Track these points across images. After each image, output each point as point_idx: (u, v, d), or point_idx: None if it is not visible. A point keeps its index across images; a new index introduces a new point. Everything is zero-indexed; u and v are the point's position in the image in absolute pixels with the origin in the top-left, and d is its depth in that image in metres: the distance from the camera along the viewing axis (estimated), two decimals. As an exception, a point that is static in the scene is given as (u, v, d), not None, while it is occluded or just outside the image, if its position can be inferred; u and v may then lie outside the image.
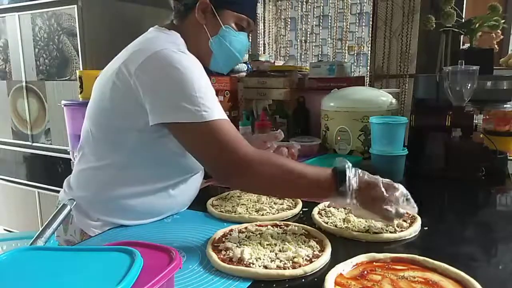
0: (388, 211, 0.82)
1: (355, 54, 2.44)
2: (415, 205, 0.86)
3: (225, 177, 0.88)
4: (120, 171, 0.97)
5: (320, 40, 2.64)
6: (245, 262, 0.73)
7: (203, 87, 0.87)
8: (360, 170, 0.85)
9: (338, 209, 1.01)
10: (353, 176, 0.83)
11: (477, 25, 1.52)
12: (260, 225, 0.91)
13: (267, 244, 0.80)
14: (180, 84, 0.85)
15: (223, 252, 0.77)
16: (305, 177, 0.85)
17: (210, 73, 2.08)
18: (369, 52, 2.02)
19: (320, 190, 0.85)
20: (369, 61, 2.04)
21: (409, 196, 0.86)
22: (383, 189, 0.83)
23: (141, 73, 0.87)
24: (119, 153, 0.96)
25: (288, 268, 0.71)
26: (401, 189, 0.85)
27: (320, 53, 2.67)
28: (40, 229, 0.70)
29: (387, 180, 0.86)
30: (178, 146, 0.93)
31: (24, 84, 2.52)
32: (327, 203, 1.05)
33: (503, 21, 1.54)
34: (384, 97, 1.43)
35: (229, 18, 1.02)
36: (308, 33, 2.52)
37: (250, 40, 1.12)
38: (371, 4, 2.01)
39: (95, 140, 0.99)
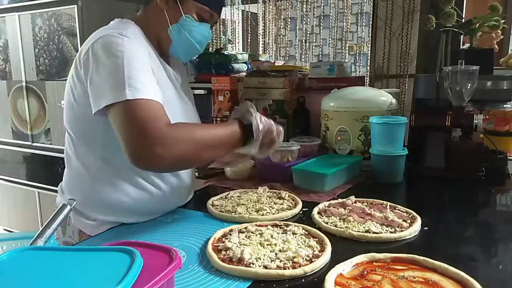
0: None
1: (355, 54, 2.44)
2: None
3: (137, 157, 0.82)
4: (102, 169, 0.98)
5: (320, 40, 2.64)
6: (245, 262, 0.73)
7: (135, 67, 0.86)
8: (259, 116, 1.00)
9: (338, 208, 1.01)
10: (257, 125, 0.97)
11: (477, 25, 1.52)
12: (260, 225, 0.91)
13: (267, 244, 0.80)
14: (111, 68, 0.85)
15: (223, 252, 0.77)
16: (218, 139, 0.92)
17: (210, 72, 2.08)
18: (369, 52, 2.02)
19: (231, 146, 0.96)
20: (369, 61, 2.04)
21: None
22: (275, 135, 1.03)
23: (84, 62, 0.90)
24: (96, 149, 0.97)
25: (288, 268, 0.71)
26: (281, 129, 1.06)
27: (320, 53, 2.67)
28: (40, 229, 0.70)
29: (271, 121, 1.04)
30: None
31: (24, 84, 2.52)
32: (327, 203, 1.05)
33: (503, 21, 1.54)
34: (384, 97, 1.43)
35: (191, 8, 1.01)
36: (308, 33, 2.52)
37: (212, 32, 1.11)
38: (371, 4, 2.01)
39: (73, 141, 1.01)
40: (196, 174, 1.27)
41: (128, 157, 0.82)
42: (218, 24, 2.60)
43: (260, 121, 0.98)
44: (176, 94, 1.07)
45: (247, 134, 0.96)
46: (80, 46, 2.13)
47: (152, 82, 0.89)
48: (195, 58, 2.14)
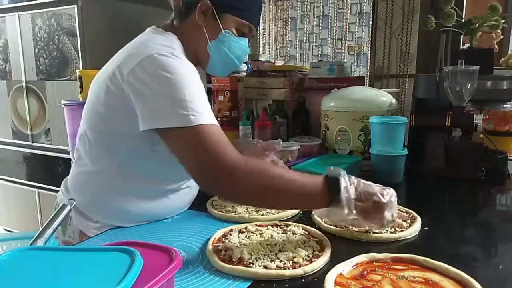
0: (387, 219, 0.81)
1: (355, 54, 2.44)
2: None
3: (209, 183, 0.82)
4: (115, 176, 0.96)
5: (320, 40, 2.64)
6: (245, 262, 0.73)
7: (194, 92, 0.84)
8: (353, 177, 0.82)
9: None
10: (348, 184, 0.79)
11: (477, 25, 1.52)
12: (260, 225, 0.91)
13: (267, 244, 0.80)
14: (169, 89, 0.82)
15: (223, 252, 0.77)
16: (294, 185, 0.80)
17: (208, 74, 2.08)
18: (369, 52, 2.02)
19: (312, 200, 0.81)
20: (369, 61, 2.04)
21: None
22: (380, 197, 0.81)
23: (133, 78, 0.85)
24: (115, 158, 0.94)
25: (288, 268, 0.71)
26: (394, 193, 0.84)
27: (320, 53, 2.67)
28: (40, 229, 0.70)
29: (377, 184, 0.84)
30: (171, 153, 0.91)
31: (24, 84, 2.52)
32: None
33: (503, 21, 1.54)
34: (384, 97, 1.43)
35: (230, 23, 0.99)
36: (308, 33, 2.53)
37: (250, 46, 1.09)
38: (371, 4, 2.01)
39: (90, 144, 0.98)
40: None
41: (199, 182, 0.84)
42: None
43: (350, 182, 0.80)
44: None
45: (333, 190, 0.79)
46: (80, 46, 2.13)
47: (208, 105, 0.87)
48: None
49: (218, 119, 1.76)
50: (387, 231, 0.87)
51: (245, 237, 0.84)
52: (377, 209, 0.81)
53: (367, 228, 0.87)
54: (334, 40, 2.43)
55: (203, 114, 0.82)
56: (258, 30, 2.67)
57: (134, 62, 0.86)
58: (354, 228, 0.88)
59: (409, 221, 0.92)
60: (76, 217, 1.00)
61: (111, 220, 0.97)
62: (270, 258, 0.75)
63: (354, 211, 0.79)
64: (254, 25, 1.03)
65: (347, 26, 2.37)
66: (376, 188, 0.83)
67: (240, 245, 0.80)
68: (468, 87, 1.29)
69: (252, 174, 0.79)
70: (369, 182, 0.84)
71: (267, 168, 0.82)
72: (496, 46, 1.64)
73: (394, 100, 1.44)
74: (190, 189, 1.06)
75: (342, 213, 0.79)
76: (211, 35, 0.99)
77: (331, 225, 0.90)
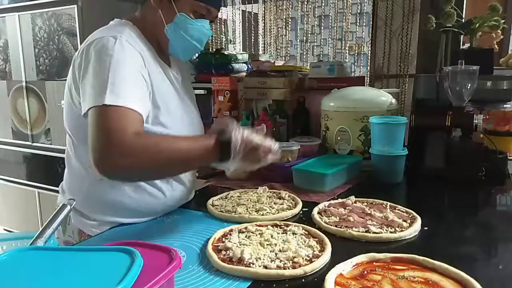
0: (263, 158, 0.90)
1: (355, 54, 2.44)
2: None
3: (99, 162, 0.80)
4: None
5: (321, 40, 2.64)
6: (245, 262, 0.73)
7: (120, 74, 0.85)
8: (240, 131, 0.88)
9: (338, 208, 1.01)
10: (236, 142, 0.86)
11: (477, 25, 1.52)
12: (260, 225, 0.91)
13: (267, 244, 0.80)
14: (98, 72, 0.85)
15: (223, 252, 0.77)
16: (182, 148, 0.85)
17: (210, 72, 2.08)
18: (369, 52, 2.02)
19: (200, 160, 0.88)
20: (369, 61, 2.04)
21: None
22: (261, 152, 0.90)
23: (78, 64, 0.90)
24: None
25: (288, 268, 0.71)
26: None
27: (320, 53, 2.67)
28: (40, 229, 0.70)
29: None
30: None
31: (24, 84, 2.52)
32: (327, 203, 1.05)
33: (503, 21, 1.54)
34: (384, 97, 1.43)
35: (185, 6, 0.99)
36: (308, 33, 2.52)
37: (212, 28, 1.09)
38: (371, 4, 2.01)
39: (74, 143, 1.00)
40: (197, 174, 1.27)
41: (93, 164, 0.81)
42: (218, 24, 2.60)
43: (240, 137, 0.87)
44: (176, 96, 1.06)
45: (224, 151, 0.86)
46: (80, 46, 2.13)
47: (136, 90, 0.87)
48: (195, 58, 2.14)
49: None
50: (387, 231, 0.87)
51: (245, 237, 0.84)
52: (254, 161, 0.91)
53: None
54: (334, 40, 2.42)
55: (120, 96, 0.83)
56: (258, 30, 2.67)
57: (80, 49, 0.92)
58: (353, 228, 0.88)
59: (409, 221, 0.92)
60: (74, 216, 1.00)
61: (107, 215, 0.98)
62: (270, 258, 0.75)
63: (238, 158, 0.87)
64: (212, 6, 1.03)
65: (347, 26, 2.36)
66: (257, 143, 0.90)
67: (240, 245, 0.80)
68: (468, 87, 1.29)
69: (140, 152, 0.80)
70: (255, 135, 0.91)
71: (158, 142, 0.84)
72: (496, 46, 1.63)
73: (394, 100, 1.44)
74: (180, 182, 1.06)
75: (228, 166, 0.88)
76: (167, 18, 1.00)
77: (331, 225, 0.91)
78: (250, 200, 1.09)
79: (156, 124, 0.96)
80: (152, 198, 1.00)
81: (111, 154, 0.79)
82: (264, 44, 2.65)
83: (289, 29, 2.59)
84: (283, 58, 2.59)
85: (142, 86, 0.90)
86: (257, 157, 0.91)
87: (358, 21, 2.39)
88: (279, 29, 2.58)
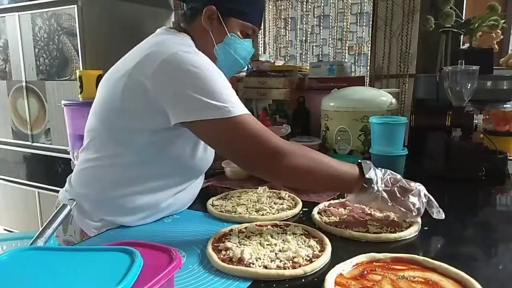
0: (412, 202, 0.88)
1: (355, 54, 2.44)
2: (439, 209, 0.91)
3: (259, 167, 0.88)
4: (125, 171, 0.97)
5: (320, 40, 2.64)
6: (245, 262, 0.73)
7: (223, 84, 0.89)
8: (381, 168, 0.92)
9: (338, 208, 1.01)
10: (377, 170, 0.90)
11: (476, 25, 1.52)
12: (260, 225, 0.91)
13: (267, 244, 0.80)
14: (201, 83, 0.85)
15: (223, 252, 0.77)
16: (333, 167, 0.88)
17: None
18: (369, 52, 2.02)
19: (346, 181, 0.89)
20: (369, 61, 2.04)
21: (431, 198, 0.92)
22: (406, 183, 0.90)
23: (159, 75, 0.87)
24: (126, 152, 0.95)
25: (288, 268, 0.71)
26: (421, 185, 0.93)
27: (320, 53, 2.67)
28: (40, 229, 0.70)
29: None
30: (185, 148, 0.96)
31: (24, 84, 2.52)
32: (327, 202, 1.05)
33: (502, 21, 1.54)
34: (384, 97, 1.43)
35: (234, 26, 1.03)
36: (308, 33, 2.52)
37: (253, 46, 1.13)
38: (371, 4, 2.01)
39: (101, 139, 0.98)
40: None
41: (248, 167, 0.91)
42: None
43: (379, 175, 0.90)
44: None
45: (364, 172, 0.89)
46: (80, 46, 2.13)
47: (237, 96, 0.91)
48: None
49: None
50: (387, 231, 0.87)
51: (245, 237, 0.84)
52: (403, 192, 0.89)
53: (393, 216, 0.93)
54: (334, 40, 2.42)
55: (237, 105, 0.87)
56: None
57: (158, 60, 0.88)
58: (353, 228, 0.88)
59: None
60: (77, 216, 1.00)
61: (116, 216, 0.97)
62: (270, 258, 0.75)
63: (381, 189, 0.88)
64: (257, 27, 1.07)
65: (347, 26, 2.36)
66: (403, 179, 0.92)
67: (240, 245, 0.80)
68: (468, 87, 1.29)
69: (297, 156, 0.85)
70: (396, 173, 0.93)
71: (309, 151, 0.89)
72: (496, 46, 1.64)
73: (394, 100, 1.44)
74: (194, 185, 1.08)
75: (372, 192, 0.87)
76: (217, 38, 1.02)
77: (331, 225, 0.91)
78: (250, 200, 1.09)
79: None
80: (165, 201, 1.00)
81: (270, 158, 0.85)
82: (264, 44, 2.65)
83: (289, 29, 2.59)
84: (283, 58, 2.59)
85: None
86: (405, 186, 0.90)
87: (358, 21, 2.39)
88: (279, 29, 2.58)
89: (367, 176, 0.87)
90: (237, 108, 0.86)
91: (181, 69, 0.86)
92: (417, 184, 0.92)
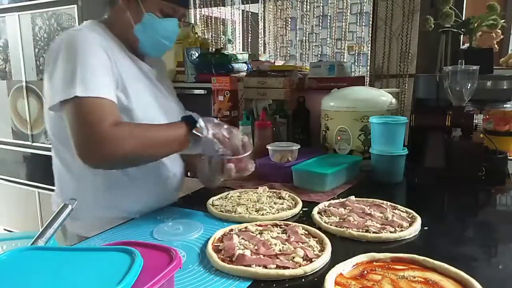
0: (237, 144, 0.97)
1: (355, 54, 2.44)
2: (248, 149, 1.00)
3: (84, 153, 0.85)
4: (78, 171, 1.00)
5: (320, 40, 2.64)
6: (245, 262, 0.73)
7: (88, 64, 0.88)
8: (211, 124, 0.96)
9: (338, 208, 1.01)
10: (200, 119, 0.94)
11: (475, 24, 1.52)
12: (260, 225, 0.91)
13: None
14: (66, 64, 0.87)
15: (223, 252, 0.77)
16: (161, 136, 0.92)
17: (210, 72, 2.08)
18: (369, 52, 2.02)
19: (178, 141, 0.93)
20: (369, 61, 2.04)
21: (246, 139, 1.00)
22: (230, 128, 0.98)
23: (46, 59, 0.93)
24: (69, 152, 0.96)
25: (288, 268, 0.71)
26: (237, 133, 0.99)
27: (320, 53, 2.67)
28: (41, 229, 0.70)
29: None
30: None
31: (24, 84, 2.52)
32: (327, 202, 1.05)
33: (502, 20, 1.54)
34: (384, 97, 1.43)
35: (152, 5, 1.02)
36: (308, 33, 2.52)
37: (180, 26, 1.13)
38: (371, 4, 2.01)
39: (54, 146, 1.03)
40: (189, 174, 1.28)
41: (77, 156, 0.86)
42: (218, 24, 2.60)
43: (207, 127, 0.95)
44: (151, 86, 1.09)
45: (193, 134, 0.94)
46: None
47: (105, 78, 0.91)
48: (195, 58, 2.14)
49: (218, 119, 1.76)
50: (387, 231, 0.87)
51: (245, 236, 0.84)
52: (229, 133, 0.97)
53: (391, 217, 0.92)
54: (334, 40, 2.42)
55: (91, 87, 0.86)
56: (258, 30, 2.67)
57: (50, 47, 0.94)
58: (353, 228, 0.88)
59: (409, 220, 0.92)
60: (71, 224, 1.01)
61: (105, 212, 1.00)
62: (270, 257, 0.75)
63: (211, 134, 0.94)
64: (178, 5, 1.07)
65: (347, 26, 2.36)
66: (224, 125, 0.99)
67: (240, 245, 0.80)
68: (468, 87, 1.29)
69: (121, 140, 0.85)
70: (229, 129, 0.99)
71: (134, 130, 0.90)
72: (496, 45, 1.64)
73: (394, 100, 1.44)
74: (174, 175, 1.11)
75: (205, 138, 0.93)
76: (135, 18, 1.03)
77: (331, 225, 0.91)
78: (250, 200, 1.09)
79: (125, 109, 0.99)
80: (144, 192, 1.05)
81: (92, 146, 0.84)
82: (264, 44, 2.65)
83: (289, 29, 2.59)
84: (283, 58, 2.59)
85: (110, 73, 0.93)
86: (233, 146, 0.97)
87: (358, 21, 2.39)
88: (279, 29, 2.58)
89: (196, 126, 0.92)
90: (87, 90, 0.85)
91: (58, 50, 0.90)
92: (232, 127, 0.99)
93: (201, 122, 0.93)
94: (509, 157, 1.36)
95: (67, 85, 0.85)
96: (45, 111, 1.00)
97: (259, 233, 0.86)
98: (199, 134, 0.93)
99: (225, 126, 0.99)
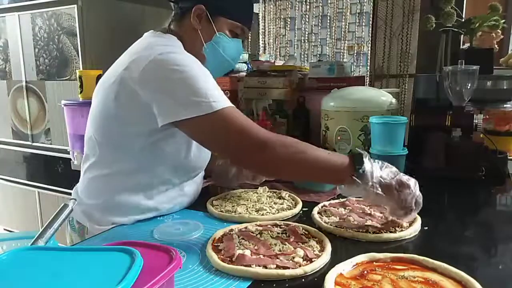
0: (408, 200, 0.85)
1: (355, 54, 2.44)
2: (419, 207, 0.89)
3: (246, 159, 0.89)
4: (129, 176, 0.98)
5: (320, 40, 2.64)
6: (245, 262, 0.73)
7: (206, 80, 0.89)
8: (377, 160, 0.88)
9: (338, 208, 1.01)
10: (372, 161, 0.86)
11: (477, 24, 1.52)
12: (260, 225, 0.91)
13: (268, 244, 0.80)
14: (184, 82, 0.86)
15: (223, 252, 0.77)
16: (319, 157, 0.87)
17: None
18: (369, 52, 2.02)
19: (335, 172, 0.87)
20: (369, 61, 2.04)
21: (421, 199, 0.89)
22: (403, 177, 0.87)
23: (145, 78, 0.89)
24: (127, 158, 0.97)
25: (288, 268, 0.71)
26: (416, 181, 0.89)
27: (320, 53, 2.67)
28: (41, 229, 0.70)
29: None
30: (180, 146, 0.97)
31: (24, 84, 2.52)
32: (327, 202, 1.05)
33: (503, 20, 1.54)
34: (384, 97, 1.43)
35: (223, 25, 1.03)
36: (308, 33, 2.53)
37: (244, 46, 1.13)
38: (371, 4, 2.01)
39: (100, 147, 0.99)
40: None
41: (236, 160, 0.94)
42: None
43: (375, 168, 0.86)
44: None
45: (357, 163, 0.85)
46: (80, 46, 2.13)
47: (221, 90, 0.92)
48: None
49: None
50: (387, 231, 0.87)
51: (245, 236, 0.84)
52: (401, 187, 0.85)
53: (387, 215, 0.90)
54: (334, 40, 2.42)
55: (221, 99, 0.87)
56: (259, 30, 2.67)
57: (143, 63, 0.89)
58: (353, 228, 0.88)
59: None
60: (90, 225, 1.01)
61: (126, 217, 0.98)
62: (270, 257, 0.75)
63: (378, 186, 0.84)
64: (246, 26, 1.07)
65: (347, 26, 2.36)
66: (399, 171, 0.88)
67: (240, 245, 0.80)
68: (468, 87, 1.29)
69: (282, 147, 0.86)
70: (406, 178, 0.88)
71: (295, 142, 0.87)
72: (496, 46, 1.64)
73: (394, 100, 1.44)
74: (196, 181, 1.11)
75: (366, 186, 0.83)
76: (206, 37, 1.03)
77: (331, 225, 0.91)
78: (250, 200, 1.09)
79: None
80: (171, 199, 1.03)
81: (256, 150, 0.85)
82: (264, 44, 2.65)
83: (289, 29, 2.59)
84: (283, 58, 2.59)
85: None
86: (405, 183, 0.86)
87: (358, 21, 2.39)
88: (279, 29, 2.58)
89: (359, 168, 0.84)
90: (221, 102, 0.86)
91: (165, 71, 0.88)
92: (412, 179, 0.89)
93: (367, 165, 0.85)
94: (509, 157, 1.36)
95: (196, 103, 0.85)
96: (98, 123, 0.98)
97: (259, 233, 0.86)
98: (358, 180, 0.84)
99: (402, 177, 0.87)
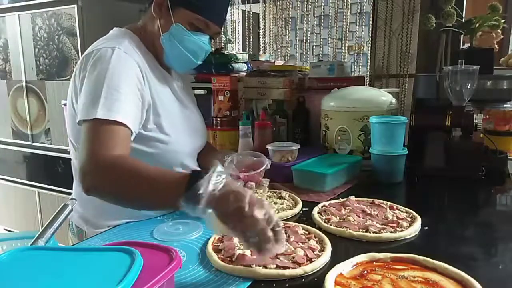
0: (249, 235, 0.65)
1: (355, 54, 2.44)
2: (283, 241, 0.68)
3: (78, 176, 0.82)
4: None
5: (321, 40, 2.64)
6: (245, 262, 0.73)
7: (116, 86, 0.86)
8: (227, 176, 0.71)
9: (338, 208, 1.00)
10: (212, 178, 0.68)
11: (477, 25, 1.52)
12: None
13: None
14: (94, 84, 0.87)
15: (223, 252, 0.77)
16: (150, 176, 0.78)
17: (210, 72, 2.07)
18: (369, 52, 2.02)
19: (166, 192, 0.74)
20: (369, 61, 2.04)
21: (279, 228, 0.67)
22: (247, 205, 0.65)
23: (77, 74, 0.93)
24: None
25: (288, 268, 0.71)
26: (270, 213, 0.67)
27: (320, 53, 2.67)
28: (41, 229, 0.70)
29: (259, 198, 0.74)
30: (158, 145, 0.99)
31: (24, 84, 2.52)
32: (327, 202, 1.05)
33: (503, 20, 1.54)
34: (384, 97, 1.43)
35: (183, 17, 1.00)
36: (308, 32, 2.52)
37: (211, 44, 1.09)
38: (371, 4, 2.01)
39: (74, 151, 1.02)
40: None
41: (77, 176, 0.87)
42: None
43: (213, 182, 0.68)
44: (177, 104, 1.09)
45: (192, 187, 0.67)
46: (80, 46, 2.14)
47: (129, 105, 0.88)
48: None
49: (218, 119, 1.76)
50: (387, 231, 0.87)
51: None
52: (236, 215, 0.65)
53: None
54: (334, 40, 2.42)
55: (112, 110, 0.84)
56: (259, 30, 2.67)
57: (80, 60, 0.94)
58: (353, 228, 0.88)
59: (409, 220, 0.92)
60: (89, 230, 1.01)
61: (119, 220, 0.98)
62: (270, 258, 0.75)
63: (210, 207, 0.67)
64: (212, 22, 1.02)
65: (347, 26, 2.36)
66: (250, 195, 0.67)
67: (240, 245, 0.80)
68: (468, 87, 1.29)
69: (111, 172, 0.79)
70: (248, 189, 0.71)
71: (131, 164, 0.80)
72: (496, 46, 1.64)
73: (394, 100, 1.44)
74: None
75: (196, 209, 0.67)
76: (164, 27, 1.01)
77: (331, 225, 0.91)
78: (250, 200, 1.08)
79: (158, 131, 0.99)
80: None
81: (84, 172, 0.80)
82: (264, 44, 2.65)
83: (289, 29, 2.59)
84: (283, 58, 2.59)
85: (136, 100, 0.91)
86: (241, 209, 0.65)
87: (358, 21, 2.39)
88: (279, 29, 2.58)
89: (190, 191, 0.67)
90: (108, 112, 0.82)
91: (88, 67, 0.90)
92: (265, 203, 0.68)
93: (202, 187, 0.67)
94: (509, 157, 1.36)
95: (90, 106, 0.84)
96: (69, 120, 0.99)
97: (259, 233, 0.86)
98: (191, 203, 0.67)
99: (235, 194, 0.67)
